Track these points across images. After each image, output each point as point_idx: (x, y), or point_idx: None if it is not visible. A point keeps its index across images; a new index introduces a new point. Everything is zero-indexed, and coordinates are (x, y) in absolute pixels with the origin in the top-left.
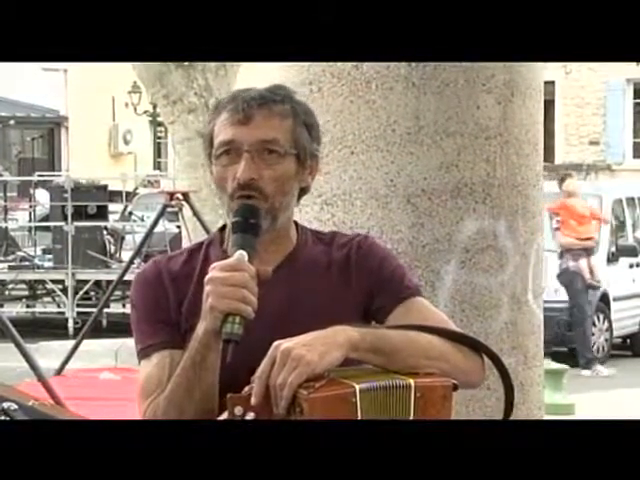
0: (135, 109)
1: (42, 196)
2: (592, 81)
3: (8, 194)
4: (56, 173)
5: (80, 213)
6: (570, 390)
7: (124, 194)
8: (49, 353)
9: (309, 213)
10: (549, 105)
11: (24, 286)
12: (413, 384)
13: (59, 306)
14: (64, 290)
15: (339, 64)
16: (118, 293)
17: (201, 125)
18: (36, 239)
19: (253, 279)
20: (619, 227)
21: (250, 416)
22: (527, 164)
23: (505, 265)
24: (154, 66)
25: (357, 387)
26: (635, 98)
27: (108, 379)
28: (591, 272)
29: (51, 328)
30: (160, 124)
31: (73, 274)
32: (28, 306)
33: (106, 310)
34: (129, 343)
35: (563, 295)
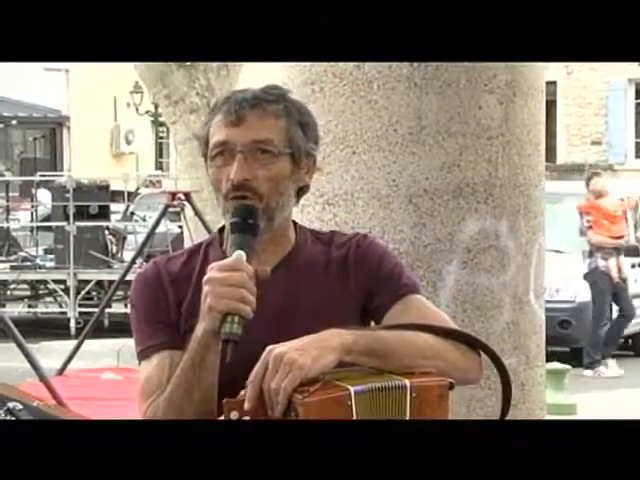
0: (137, 109)
1: (44, 196)
2: (594, 81)
3: (10, 194)
4: (58, 173)
5: (82, 213)
6: (572, 390)
7: (126, 194)
8: (51, 353)
9: (311, 213)
10: (551, 105)
11: (26, 286)
12: (409, 384)
13: (61, 306)
14: (66, 290)
15: (341, 64)
16: (120, 293)
17: None
18: (38, 239)
19: (251, 279)
20: None
21: None
22: (529, 164)
23: (507, 265)
24: (156, 66)
25: (352, 389)
26: (637, 98)
27: (110, 379)
28: (619, 270)
29: (53, 328)
30: (162, 124)
31: (75, 274)
32: (30, 306)
33: (108, 310)
34: (131, 343)
35: (564, 295)
